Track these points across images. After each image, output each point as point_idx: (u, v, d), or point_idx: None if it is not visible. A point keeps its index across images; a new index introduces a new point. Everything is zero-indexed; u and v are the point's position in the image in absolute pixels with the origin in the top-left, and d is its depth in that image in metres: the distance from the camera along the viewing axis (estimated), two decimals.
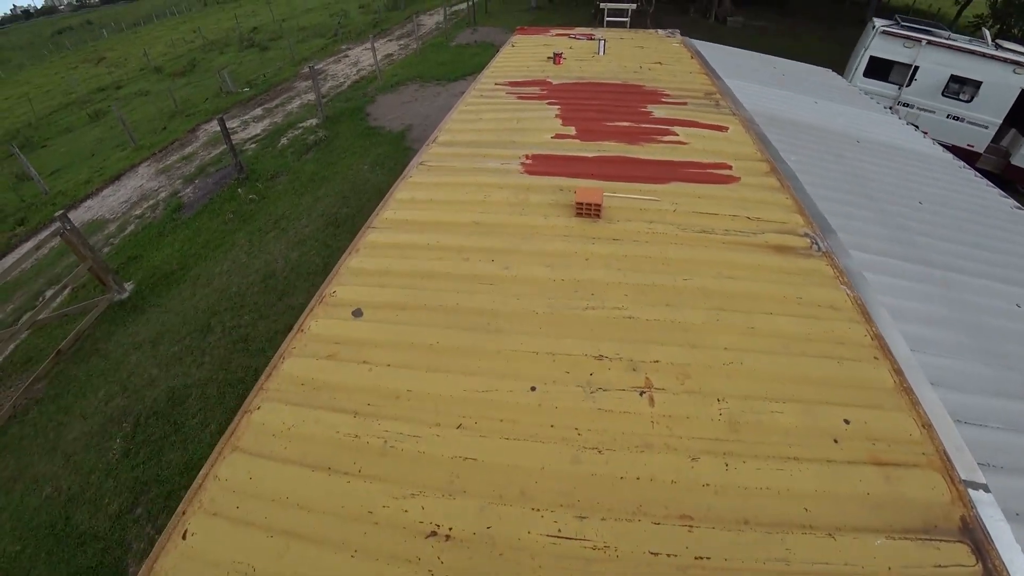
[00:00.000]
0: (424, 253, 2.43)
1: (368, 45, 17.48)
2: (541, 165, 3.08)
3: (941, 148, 4.86)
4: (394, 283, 2.24)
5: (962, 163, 4.57)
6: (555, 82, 4.55)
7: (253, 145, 11.78)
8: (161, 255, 8.68)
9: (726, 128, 3.55)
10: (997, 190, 4.08)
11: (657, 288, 2.12)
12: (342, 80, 15.65)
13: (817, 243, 2.45)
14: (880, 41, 10.33)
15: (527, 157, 3.18)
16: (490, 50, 14.65)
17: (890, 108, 9.25)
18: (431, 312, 2.06)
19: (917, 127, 9.34)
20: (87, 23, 42.95)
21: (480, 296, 2.12)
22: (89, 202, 11.33)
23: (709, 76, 4.73)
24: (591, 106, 3.88)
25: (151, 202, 10.38)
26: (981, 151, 10.19)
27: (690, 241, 2.40)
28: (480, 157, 3.22)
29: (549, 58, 5.19)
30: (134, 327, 7.42)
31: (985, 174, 8.87)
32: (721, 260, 2.28)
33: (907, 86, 10.33)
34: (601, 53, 5.46)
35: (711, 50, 6.06)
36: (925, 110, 10.32)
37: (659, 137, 3.35)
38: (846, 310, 2.06)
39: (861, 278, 2.25)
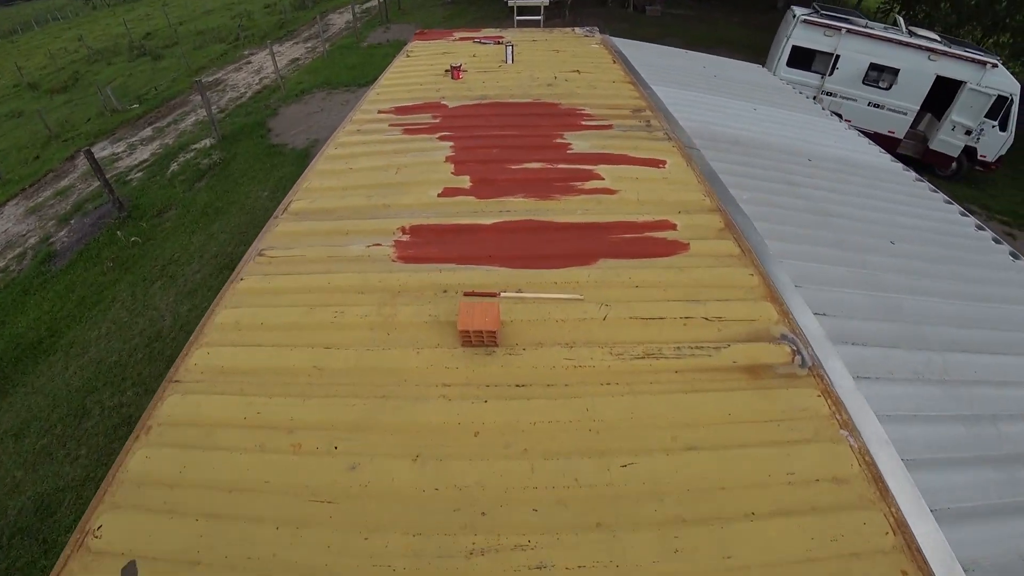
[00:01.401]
0: (221, 463, 1.47)
1: (275, 49, 15.77)
2: (421, 244, 2.19)
3: (889, 157, 4.33)
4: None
5: (913, 173, 4.05)
6: (451, 105, 3.63)
7: (139, 174, 10.15)
8: (26, 320, 7.17)
9: (663, 162, 2.77)
10: (956, 207, 3.56)
11: (584, 492, 1.30)
12: (243, 91, 13.96)
13: (800, 352, 1.70)
14: (801, 30, 10.01)
15: (403, 231, 2.27)
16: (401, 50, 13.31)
17: (814, 98, 8.96)
18: None
19: (841, 116, 9.13)
20: None
21: (304, 548, 1.23)
22: None
23: (636, 85, 3.95)
24: (492, 140, 3.00)
25: (17, 251, 8.69)
26: (901, 137, 10.14)
27: (628, 379, 1.58)
28: (340, 237, 2.29)
29: (447, 71, 4.26)
30: None
31: (905, 159, 8.76)
32: (674, 414, 1.49)
33: (829, 75, 10.09)
34: (509, 61, 4.57)
35: (635, 50, 5.30)
36: (847, 98, 10.15)
37: (579, 184, 2.52)
38: (855, 485, 1.32)
39: (867, 416, 1.53)
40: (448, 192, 2.49)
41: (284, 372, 1.71)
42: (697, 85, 4.77)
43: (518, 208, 2.37)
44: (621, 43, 5.53)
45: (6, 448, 5.59)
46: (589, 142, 2.95)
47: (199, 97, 13.90)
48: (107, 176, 10.31)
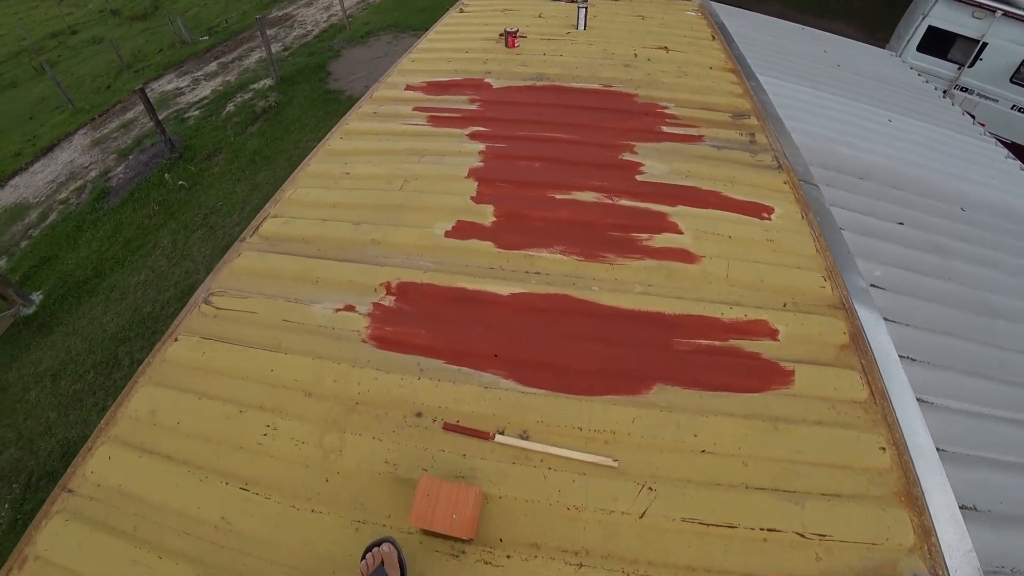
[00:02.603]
0: None
1: None
2: (406, 317, 1.50)
3: None
4: None
5: None
6: (496, 84, 2.81)
7: (197, 112, 9.91)
8: (76, 257, 7.17)
9: (769, 211, 1.90)
10: None
11: None
12: (310, 28, 13.32)
13: None
14: (943, 8, 7.85)
15: (388, 289, 1.59)
16: None
17: (944, 92, 7.14)
18: None
19: (973, 117, 7.26)
20: None
21: None
22: (17, 179, 9.66)
23: (739, 75, 2.96)
24: (538, 146, 2.20)
25: (78, 183, 8.73)
26: None
27: None
28: (307, 287, 1.63)
29: (502, 34, 3.40)
30: (38, 352, 6.07)
31: None
32: None
33: (969, 67, 8.01)
34: (581, 27, 3.63)
35: (739, 22, 4.18)
36: (987, 97, 7.98)
37: (645, 239, 1.72)
38: None
39: None
40: (461, 230, 1.76)
41: (187, 517, 1.15)
42: (816, 78, 3.66)
43: (551, 270, 1.62)
44: (723, 11, 4.39)
45: (44, 388, 5.62)
46: (669, 164, 2.10)
47: (268, 31, 13.43)
48: (167, 112, 10.16)
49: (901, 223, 2.41)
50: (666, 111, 2.54)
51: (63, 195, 8.53)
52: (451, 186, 1.98)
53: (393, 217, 1.86)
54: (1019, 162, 3.60)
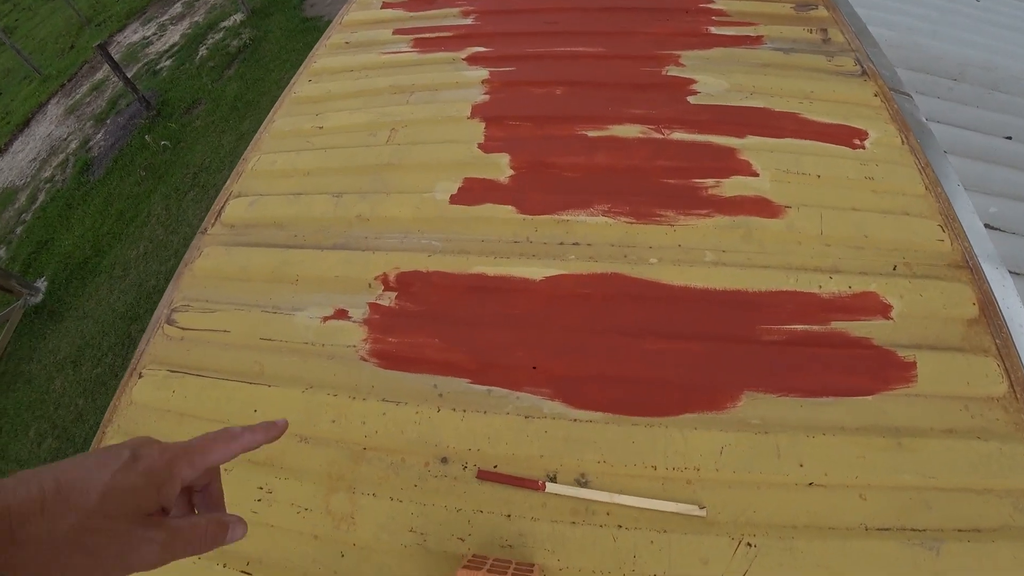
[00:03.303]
0: None
1: None
2: (412, 320, 1.14)
3: None
4: None
5: None
6: None
7: (169, 61, 9.07)
8: (72, 237, 6.85)
9: (861, 136, 1.44)
10: None
11: None
12: None
13: None
14: None
15: (385, 283, 1.22)
16: None
17: None
18: None
19: None
20: None
21: None
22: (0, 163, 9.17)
23: None
24: (556, 66, 1.70)
25: (60, 157, 8.21)
26: None
27: None
28: (286, 288, 1.27)
29: None
30: (55, 340, 5.96)
31: None
32: None
33: None
34: None
35: None
36: None
37: (710, 185, 1.28)
38: None
39: None
40: (470, 192, 1.35)
41: None
42: None
43: (594, 239, 1.22)
44: None
45: (67, 376, 5.55)
46: (727, 78, 1.61)
47: None
48: (137, 66, 9.36)
49: (1009, 137, 1.94)
50: (711, 5, 1.98)
51: (47, 173, 8.06)
52: (451, 131, 1.54)
53: (382, 181, 1.45)
54: None
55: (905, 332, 1.09)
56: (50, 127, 9.12)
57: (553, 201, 1.25)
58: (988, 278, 1.18)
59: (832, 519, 0.89)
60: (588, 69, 1.63)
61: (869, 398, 1.01)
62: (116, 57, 9.97)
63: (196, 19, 10.20)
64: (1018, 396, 1.01)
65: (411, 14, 2.18)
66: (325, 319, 1.21)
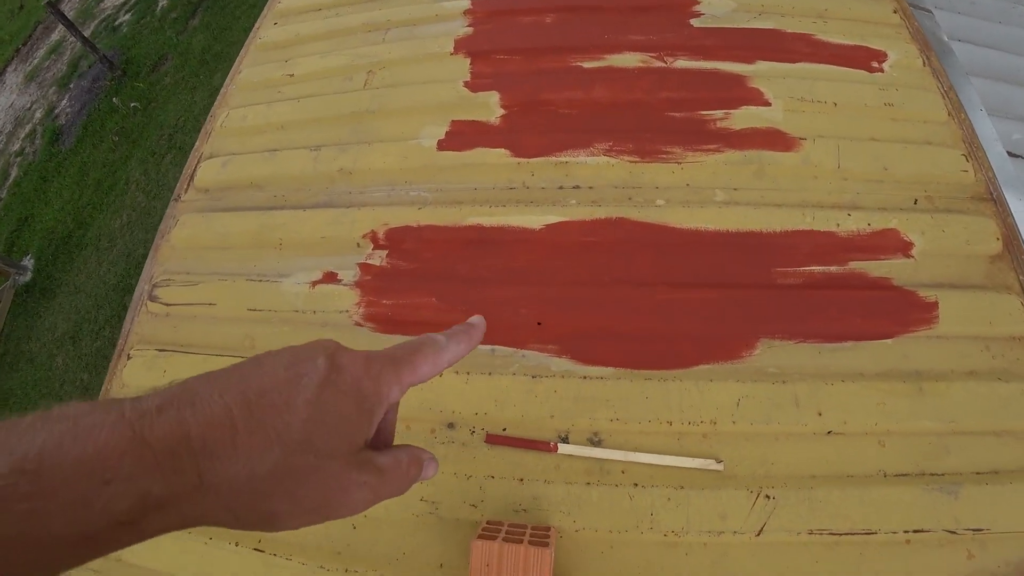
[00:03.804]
0: None
1: None
2: (405, 278, 1.06)
3: None
4: None
5: None
6: None
7: (127, 15, 8.44)
8: (52, 212, 6.61)
9: (880, 57, 1.31)
10: None
11: None
12: None
13: None
14: None
15: (374, 241, 1.12)
16: None
17: None
18: None
19: None
20: None
21: None
22: None
23: None
24: None
25: (27, 128, 7.79)
26: None
27: None
28: (270, 253, 1.17)
29: None
30: (50, 317, 5.88)
31: None
32: None
33: None
34: None
35: None
36: None
37: (719, 118, 1.16)
38: None
39: None
40: (458, 136, 1.23)
41: None
42: None
43: (596, 181, 1.12)
44: None
45: (68, 352, 5.52)
46: None
47: None
48: (95, 23, 8.73)
49: None
50: None
51: (16, 146, 7.67)
52: (434, 70, 1.39)
53: (363, 130, 1.33)
54: None
55: (927, 271, 1.03)
56: (11, 97, 8.61)
57: (549, 142, 1.14)
58: (1013, 211, 1.12)
59: (851, 467, 0.86)
60: None
61: (889, 341, 0.96)
62: (70, 15, 9.29)
63: None
64: None
65: None
66: (314, 284, 1.13)
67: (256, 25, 1.84)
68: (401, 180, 1.20)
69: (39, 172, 6.93)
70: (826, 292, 1.01)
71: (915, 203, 1.14)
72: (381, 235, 1.15)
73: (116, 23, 8.44)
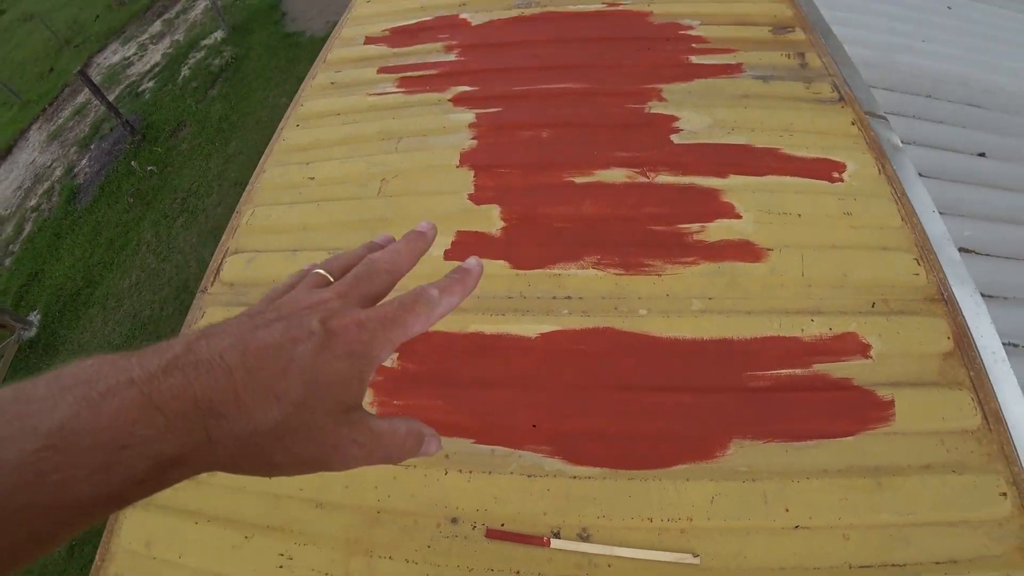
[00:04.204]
0: None
1: None
2: (413, 380, 1.20)
3: None
4: None
5: None
6: (475, 21, 2.30)
7: (151, 83, 9.08)
8: (63, 268, 6.89)
9: (839, 168, 1.51)
10: None
11: None
12: None
13: None
14: None
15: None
16: None
17: None
18: None
19: None
20: None
21: None
22: None
23: None
24: (542, 106, 1.76)
25: (46, 185, 8.23)
26: None
27: None
28: None
29: None
30: None
31: None
32: None
33: None
34: None
35: None
36: None
37: (696, 230, 1.33)
38: None
39: None
40: (463, 246, 1.41)
41: None
42: None
43: (585, 292, 1.29)
44: None
45: None
46: (709, 112, 1.67)
47: None
48: (120, 88, 9.38)
49: (982, 154, 2.02)
50: (691, 32, 2.05)
51: (33, 201, 8.08)
52: (441, 181, 1.60)
53: (376, 235, 1.51)
54: None
55: (884, 371, 1.16)
56: (33, 154, 9.13)
57: (544, 254, 1.31)
58: (962, 309, 1.26)
59: (817, 560, 0.96)
60: (573, 108, 1.69)
61: (850, 439, 1.08)
62: (97, 79, 9.99)
63: (176, 37, 10.21)
64: (991, 427, 1.08)
65: (394, 50, 2.24)
66: None
67: (280, 126, 2.07)
68: (411, 286, 1.36)
69: (53, 228, 7.25)
70: (792, 394, 1.14)
71: (872, 306, 1.29)
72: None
73: (140, 89, 9.08)
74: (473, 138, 1.70)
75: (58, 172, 8.33)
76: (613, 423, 1.10)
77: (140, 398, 0.26)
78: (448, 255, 1.38)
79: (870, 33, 2.44)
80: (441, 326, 1.27)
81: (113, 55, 10.67)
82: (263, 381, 0.29)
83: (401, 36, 2.30)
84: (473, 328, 1.24)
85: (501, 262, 1.33)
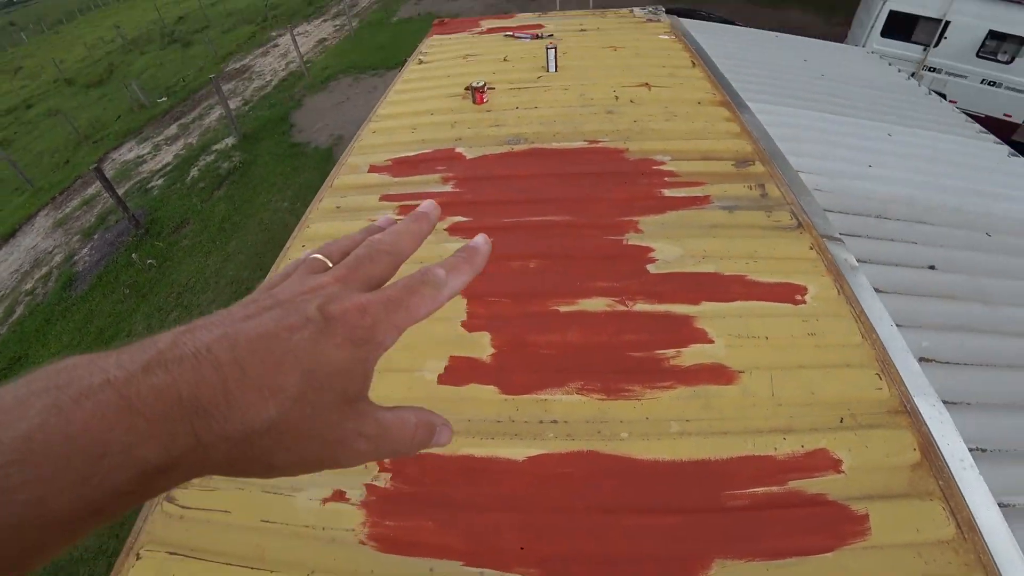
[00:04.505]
0: None
1: (302, 28, 14.87)
2: (407, 502, 1.25)
3: None
4: None
5: None
6: (469, 155, 2.61)
7: (160, 180, 9.65)
8: (47, 354, 6.87)
9: (801, 291, 1.70)
10: None
11: None
12: (268, 78, 13.19)
13: None
14: None
15: (380, 465, 1.35)
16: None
17: (912, 74, 7.25)
18: None
19: (945, 96, 7.42)
20: (10, 24, 39.35)
21: None
22: None
23: (731, 108, 2.78)
24: (529, 237, 1.97)
25: (44, 270, 8.44)
26: (1020, 121, 8.17)
27: None
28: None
29: (468, 89, 3.22)
30: None
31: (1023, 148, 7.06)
32: None
33: (935, 46, 8.17)
34: (552, 69, 3.47)
35: (713, 39, 4.04)
36: (955, 75, 8.22)
37: (672, 356, 1.47)
38: None
39: None
40: (456, 371, 1.53)
41: None
42: (805, 95, 3.50)
43: (570, 416, 1.39)
44: (693, 28, 4.26)
45: None
46: (681, 243, 1.89)
47: (226, 86, 13.29)
48: (130, 183, 9.93)
49: (933, 267, 2.24)
50: (663, 167, 2.34)
51: (28, 285, 8.23)
52: (438, 322, 1.75)
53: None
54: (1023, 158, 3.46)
55: (856, 485, 1.24)
56: (36, 239, 9.43)
57: (532, 380, 1.43)
58: (926, 419, 1.36)
59: None
60: (558, 240, 1.90)
61: (829, 555, 1.13)
62: (110, 174, 10.60)
63: (190, 141, 11.00)
64: (965, 536, 1.14)
65: (395, 179, 2.51)
66: (324, 501, 1.31)
67: (286, 245, 2.26)
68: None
69: (44, 314, 7.31)
70: (770, 512, 1.20)
71: (841, 422, 1.39)
72: (387, 460, 1.37)
73: (149, 186, 9.62)
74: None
75: (58, 258, 8.56)
76: (598, 546, 1.15)
77: (117, 400, 0.24)
78: (441, 379, 1.50)
79: (823, 162, 2.77)
80: (433, 448, 1.35)
81: (128, 152, 11.42)
82: (256, 375, 0.26)
83: (402, 166, 2.60)
84: (464, 451, 1.33)
85: (491, 387, 1.44)
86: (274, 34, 16.58)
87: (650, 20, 4.25)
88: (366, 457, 0.31)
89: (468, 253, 0.39)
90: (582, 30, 4.21)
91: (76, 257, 8.46)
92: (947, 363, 1.86)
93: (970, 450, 1.31)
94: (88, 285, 7.68)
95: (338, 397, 0.29)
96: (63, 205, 10.30)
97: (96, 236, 8.79)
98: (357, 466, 0.31)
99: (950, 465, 1.26)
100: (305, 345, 0.28)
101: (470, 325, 1.61)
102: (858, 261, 1.93)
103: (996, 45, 7.94)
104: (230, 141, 10.15)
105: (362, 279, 0.35)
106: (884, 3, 8.31)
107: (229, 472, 0.28)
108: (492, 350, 1.53)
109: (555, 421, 1.37)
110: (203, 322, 0.29)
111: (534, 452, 1.30)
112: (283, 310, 0.30)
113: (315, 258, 0.37)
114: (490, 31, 4.44)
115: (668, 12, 4.41)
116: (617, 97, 3.02)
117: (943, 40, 8.18)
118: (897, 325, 1.66)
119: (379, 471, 1.35)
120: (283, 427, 0.27)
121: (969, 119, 3.93)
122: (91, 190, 10.34)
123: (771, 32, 5.29)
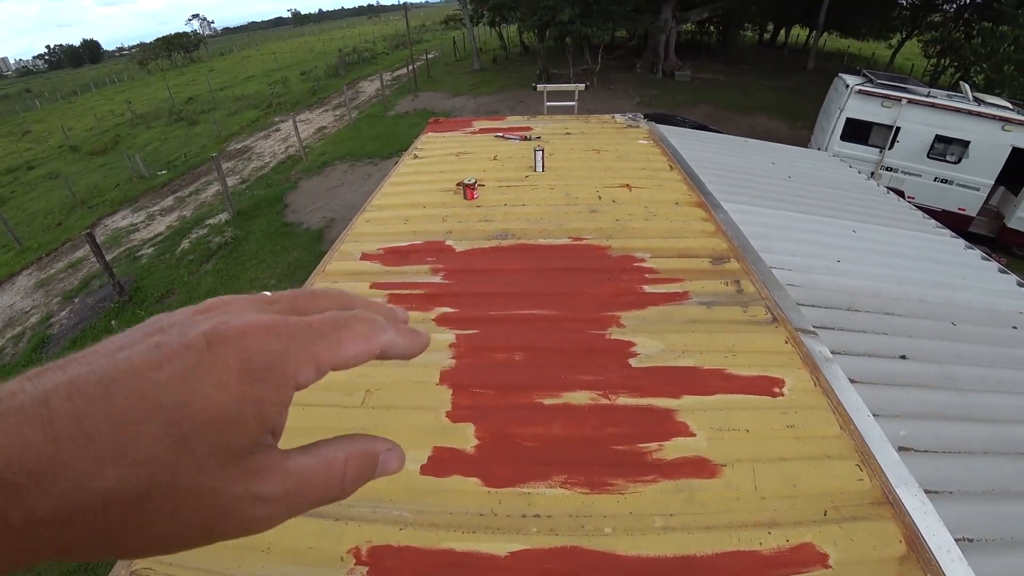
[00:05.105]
0: None
1: (304, 116, 15.83)
2: None
3: None
4: None
5: None
6: (459, 248, 2.74)
7: (151, 249, 9.75)
8: None
9: (779, 384, 1.77)
10: None
11: None
12: (267, 160, 13.82)
13: None
14: (856, 101, 9.18)
15: (357, 558, 1.30)
16: (428, 119, 12.75)
17: (871, 174, 8.05)
18: None
19: (903, 194, 8.22)
20: (26, 91, 41.14)
21: None
22: None
23: (706, 209, 3.01)
24: (515, 330, 2.04)
25: (17, 330, 8.21)
26: (973, 215, 9.07)
27: None
28: (255, 562, 1.33)
29: (460, 186, 3.43)
30: None
31: (978, 239, 7.69)
32: None
33: (889, 149, 9.20)
34: (539, 169, 3.73)
35: (688, 143, 4.42)
36: (910, 174, 9.23)
37: (654, 449, 1.50)
38: None
39: None
40: (439, 462, 1.52)
41: None
42: (775, 195, 3.80)
43: (553, 511, 1.38)
44: (669, 133, 4.67)
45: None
46: (662, 338, 1.97)
47: (225, 164, 13.85)
48: (120, 250, 9.99)
49: (904, 356, 2.33)
50: (643, 264, 2.48)
51: None
52: (422, 397, 1.77)
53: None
54: (978, 251, 3.73)
55: None
56: (15, 298, 9.26)
57: (515, 473, 1.43)
58: (909, 510, 1.36)
59: None
60: (543, 333, 1.97)
61: None
62: (101, 239, 10.69)
63: (184, 213, 11.26)
64: None
65: (386, 268, 2.61)
66: None
67: None
68: (387, 499, 1.44)
69: (9, 375, 6.96)
70: None
71: (825, 514, 1.38)
72: (364, 552, 1.33)
73: (139, 254, 9.68)
74: (452, 358, 1.93)
75: (34, 319, 8.37)
76: None
77: None
78: (424, 470, 1.49)
79: (793, 258, 2.96)
80: (413, 541, 1.32)
81: (122, 220, 11.59)
82: (94, 431, 0.20)
83: (393, 256, 2.71)
84: (445, 544, 1.30)
85: (474, 479, 1.44)
86: (277, 119, 17.59)
87: (630, 126, 4.66)
88: (273, 521, 0.25)
89: (413, 331, 0.32)
90: (567, 133, 4.59)
91: (53, 319, 8.29)
92: (926, 451, 1.89)
93: (956, 540, 1.31)
94: (61, 348, 7.47)
95: (214, 453, 0.22)
96: (48, 266, 10.26)
97: (77, 300, 8.69)
98: (267, 530, 0.26)
99: (937, 557, 1.26)
100: (172, 385, 0.22)
101: (455, 416, 1.63)
102: (832, 353, 2.01)
103: (944, 148, 8.90)
104: (224, 216, 10.41)
105: (289, 309, 0.28)
106: (841, 112, 9.32)
107: (74, 557, 0.22)
108: (476, 441, 1.54)
109: (538, 515, 1.36)
110: (70, 358, 0.23)
111: (516, 547, 1.28)
112: (163, 336, 0.24)
113: (262, 293, 0.30)
114: (482, 131, 4.80)
115: (646, 118, 4.85)
116: (600, 197, 3.24)
117: (896, 144, 9.14)
118: (874, 415, 1.71)
119: (355, 564, 1.30)
120: (132, 498, 0.21)
121: (926, 215, 4.27)
122: (79, 253, 10.36)
123: (740, 137, 5.80)
